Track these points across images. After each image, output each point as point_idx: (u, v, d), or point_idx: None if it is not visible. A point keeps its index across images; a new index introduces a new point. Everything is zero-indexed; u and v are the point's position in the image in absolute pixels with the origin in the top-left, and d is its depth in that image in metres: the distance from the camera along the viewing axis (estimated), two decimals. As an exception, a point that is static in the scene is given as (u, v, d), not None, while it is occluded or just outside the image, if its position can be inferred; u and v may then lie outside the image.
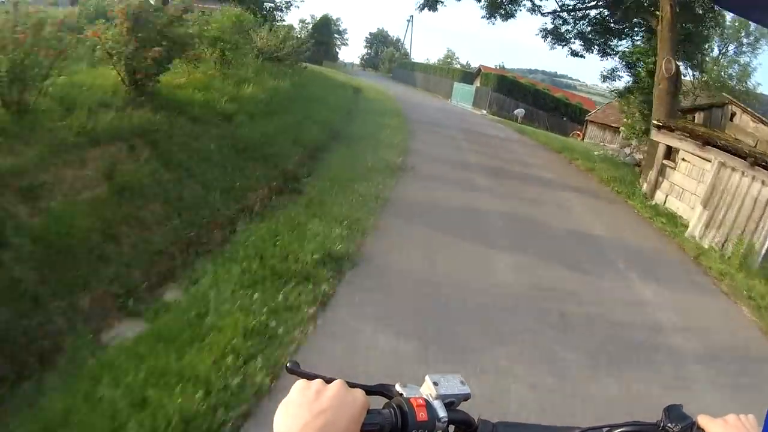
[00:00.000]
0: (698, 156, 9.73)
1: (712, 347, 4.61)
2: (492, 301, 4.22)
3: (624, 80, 17.94)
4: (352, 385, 0.67)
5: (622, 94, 18.39)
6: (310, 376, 0.67)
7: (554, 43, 17.97)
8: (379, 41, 68.83)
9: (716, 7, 13.97)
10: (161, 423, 2.40)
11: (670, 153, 10.87)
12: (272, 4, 20.45)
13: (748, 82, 25.45)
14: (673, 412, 0.80)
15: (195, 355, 3.03)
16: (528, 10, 17.64)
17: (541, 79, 58.73)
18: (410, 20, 60.54)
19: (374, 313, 3.64)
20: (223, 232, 5.72)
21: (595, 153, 16.56)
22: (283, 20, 20.18)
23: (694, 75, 20.09)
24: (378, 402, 0.71)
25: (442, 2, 18.45)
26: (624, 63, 16.59)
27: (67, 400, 2.73)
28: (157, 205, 5.54)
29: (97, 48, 7.47)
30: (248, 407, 2.67)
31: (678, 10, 12.03)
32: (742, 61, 22.49)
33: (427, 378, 0.74)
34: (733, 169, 8.55)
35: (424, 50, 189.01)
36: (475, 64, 49.00)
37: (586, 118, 29.58)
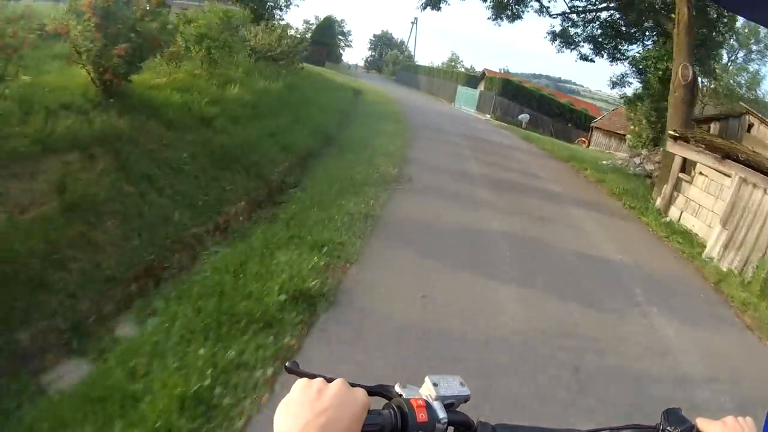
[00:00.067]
0: (717, 170, 9.04)
1: (742, 400, 3.96)
2: (493, 357, 3.50)
3: (633, 87, 17.30)
4: (352, 386, 0.67)
5: (632, 100, 17.73)
6: (310, 376, 0.67)
7: (562, 47, 17.28)
8: (383, 43, 68.24)
9: (724, 10, 13.31)
10: None
11: (685, 165, 10.18)
12: (271, 3, 19.78)
13: (758, 90, 24.83)
14: (672, 415, 0.81)
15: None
16: (535, 12, 16.96)
17: (545, 83, 58.08)
18: (415, 22, 59.89)
19: (348, 374, 2.96)
20: (188, 255, 5.06)
21: (604, 162, 15.83)
22: (282, 19, 19.50)
23: (703, 82, 19.44)
24: (377, 403, 0.70)
25: (445, 1, 17.76)
26: (635, 68, 15.88)
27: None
28: (113, 224, 4.87)
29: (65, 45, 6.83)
30: None
31: (694, 13, 11.35)
32: (751, 69, 21.89)
33: (426, 379, 0.74)
34: (755, 186, 7.89)
35: (428, 53, 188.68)
36: (479, 68, 48.38)
37: (591, 125, 28.93)
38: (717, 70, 19.07)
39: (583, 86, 76.09)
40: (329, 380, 0.65)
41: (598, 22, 16.36)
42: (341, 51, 55.37)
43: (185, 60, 8.76)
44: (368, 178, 7.60)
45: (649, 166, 15.00)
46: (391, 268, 4.63)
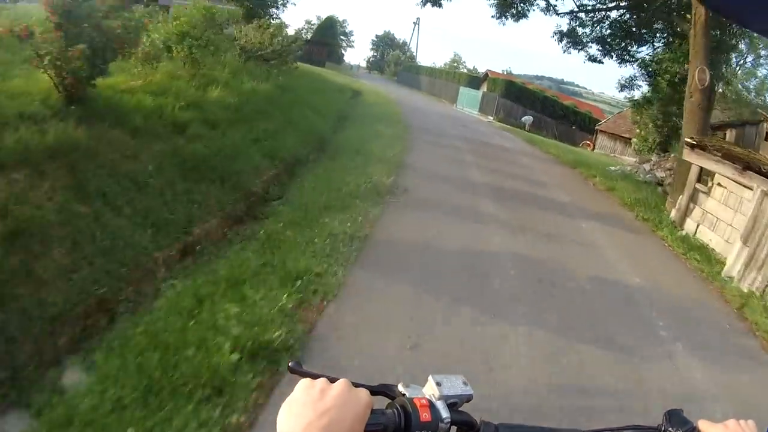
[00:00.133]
0: (737, 182, 8.37)
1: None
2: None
3: (641, 90, 16.63)
4: (355, 385, 0.66)
5: (640, 104, 17.08)
6: (313, 376, 0.66)
7: (569, 47, 16.57)
8: (385, 44, 67.63)
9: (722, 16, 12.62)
10: None
11: (701, 175, 9.51)
12: (268, 0, 19.16)
13: (767, 96, 24.09)
14: (674, 416, 0.79)
15: None
16: (542, 10, 16.26)
17: (547, 85, 57.36)
18: (417, 23, 59.44)
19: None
20: (148, 284, 4.41)
21: (612, 168, 15.14)
22: (278, 17, 18.87)
23: (714, 87, 18.75)
24: (380, 403, 0.69)
25: (446, -3, 17.09)
26: (645, 71, 15.19)
27: None
28: (60, 252, 4.22)
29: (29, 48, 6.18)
30: None
31: (711, 14, 10.66)
32: (759, 74, 21.23)
33: (430, 378, 0.74)
34: (779, 200, 7.24)
35: (430, 54, 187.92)
36: (481, 69, 47.73)
37: (596, 128, 28.25)
38: (728, 75, 18.38)
39: (585, 88, 75.50)
40: (332, 380, 0.65)
41: (607, 22, 15.64)
42: (343, 51, 54.80)
43: (165, 60, 8.14)
44: (360, 190, 6.95)
45: (660, 173, 14.31)
46: (376, 305, 3.96)
